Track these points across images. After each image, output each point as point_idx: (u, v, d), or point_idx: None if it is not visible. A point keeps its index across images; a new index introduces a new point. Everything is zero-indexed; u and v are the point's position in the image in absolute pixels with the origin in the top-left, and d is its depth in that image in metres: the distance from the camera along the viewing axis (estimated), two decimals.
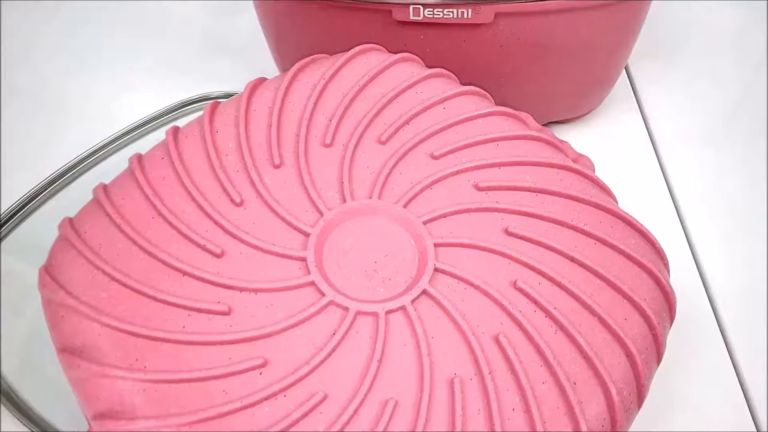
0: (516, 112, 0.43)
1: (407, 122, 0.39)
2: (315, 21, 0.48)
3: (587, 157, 0.43)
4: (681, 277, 0.43)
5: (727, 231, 0.49)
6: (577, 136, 0.55)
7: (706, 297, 0.46)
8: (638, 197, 0.50)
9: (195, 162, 0.36)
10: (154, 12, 0.72)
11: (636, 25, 0.49)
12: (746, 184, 0.52)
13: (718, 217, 0.50)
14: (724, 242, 0.49)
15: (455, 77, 0.42)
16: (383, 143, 0.38)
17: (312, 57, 0.42)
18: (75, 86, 0.62)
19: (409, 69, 0.41)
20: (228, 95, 0.59)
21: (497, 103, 0.48)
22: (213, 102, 0.39)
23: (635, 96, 0.59)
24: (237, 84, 0.65)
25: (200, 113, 0.63)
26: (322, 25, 0.48)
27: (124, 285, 0.31)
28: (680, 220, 0.50)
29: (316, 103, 0.39)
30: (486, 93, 0.41)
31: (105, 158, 0.50)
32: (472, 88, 0.41)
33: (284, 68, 0.55)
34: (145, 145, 0.53)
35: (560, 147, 0.40)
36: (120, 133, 0.52)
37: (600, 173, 0.40)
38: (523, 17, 0.44)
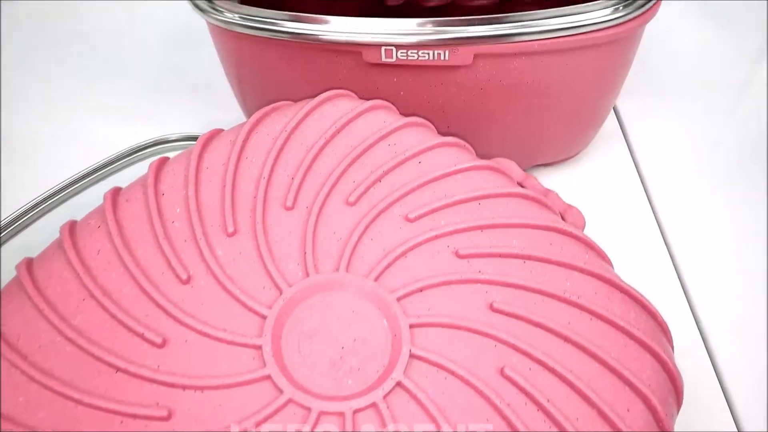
0: (498, 164, 0.39)
1: (379, 180, 0.35)
2: (279, 61, 0.44)
3: (576, 209, 0.40)
4: (682, 344, 0.40)
5: (728, 290, 0.46)
6: (564, 179, 0.52)
7: (714, 374, 0.41)
8: (630, 248, 0.47)
9: (136, 231, 0.32)
10: (108, 43, 0.68)
11: (624, 66, 0.46)
12: (743, 229, 0.49)
13: (714, 268, 0.47)
14: (726, 303, 0.45)
15: (432, 126, 0.38)
16: (352, 204, 0.34)
17: (273, 105, 0.38)
18: (20, 130, 0.57)
19: (382, 118, 0.38)
20: (187, 138, 0.54)
21: (478, 148, 0.44)
22: (160, 159, 0.35)
23: (623, 134, 0.56)
24: (200, 122, 0.62)
25: (156, 158, 0.58)
26: (286, 66, 0.44)
27: (45, 386, 0.27)
28: (677, 274, 0.46)
29: (276, 159, 0.35)
30: (466, 144, 0.38)
31: (41, 216, 0.45)
32: (451, 139, 0.37)
33: (247, 108, 0.51)
34: (89, 200, 0.49)
35: (548, 204, 0.36)
36: (61, 185, 0.47)
37: (590, 219, 0.37)
38: (505, 59, 0.41)
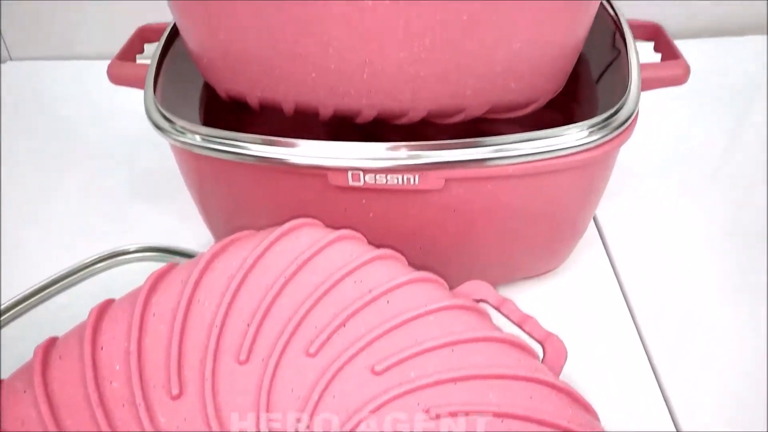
0: (474, 288, 0.37)
1: (343, 324, 0.32)
2: (242, 183, 0.41)
3: (556, 337, 0.37)
4: None
5: (715, 409, 0.43)
6: (544, 291, 0.49)
7: None
8: (612, 361, 0.45)
9: (68, 394, 0.28)
10: (69, 138, 0.66)
11: (601, 184, 0.44)
12: (726, 337, 0.46)
13: (700, 384, 0.44)
14: (713, 420, 0.42)
15: (402, 258, 0.36)
16: (312, 356, 0.31)
17: (232, 237, 0.35)
18: None
19: (348, 250, 0.35)
20: (147, 249, 0.52)
21: (452, 268, 0.42)
22: (103, 303, 0.32)
23: (602, 240, 0.54)
24: (162, 230, 0.59)
25: (117, 270, 0.54)
26: (250, 188, 0.41)
27: None
28: (660, 388, 0.44)
29: (231, 303, 0.32)
30: (437, 278, 0.35)
31: None
32: (422, 274, 0.35)
33: (210, 224, 0.48)
34: (37, 320, 0.45)
35: (528, 349, 0.33)
36: (6, 304, 0.44)
37: (571, 334, 0.36)
38: (478, 182, 0.39)
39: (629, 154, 0.48)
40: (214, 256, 0.34)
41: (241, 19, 0.37)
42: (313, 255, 0.34)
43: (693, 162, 0.61)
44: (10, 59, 0.79)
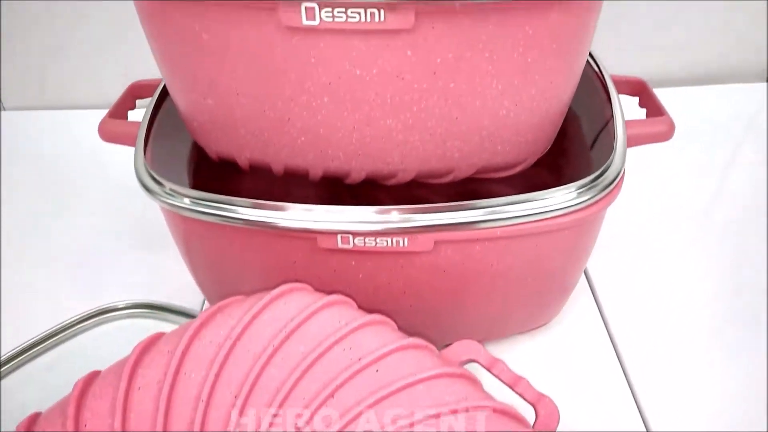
0: (465, 348, 0.37)
1: (332, 395, 0.32)
2: (231, 245, 0.41)
3: (548, 399, 0.37)
4: None
5: None
6: (534, 348, 0.49)
7: None
8: (605, 419, 0.44)
9: None
10: (57, 193, 0.65)
11: (590, 241, 0.44)
12: (719, 392, 0.46)
13: None
14: None
15: (392, 323, 0.36)
16: (300, 430, 0.30)
17: (221, 304, 0.35)
18: None
19: (338, 316, 0.35)
20: (137, 306, 0.51)
21: (443, 326, 0.42)
22: (88, 375, 0.32)
23: (593, 293, 0.54)
24: (152, 285, 0.56)
25: (106, 326, 0.53)
26: (239, 250, 0.41)
27: None
28: None
29: (218, 374, 0.32)
30: (427, 344, 0.35)
31: None
32: (412, 340, 0.34)
33: (200, 284, 0.48)
34: (26, 379, 0.45)
35: (520, 418, 0.33)
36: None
37: (562, 390, 0.36)
38: (467, 244, 0.39)
39: (618, 206, 0.49)
40: (202, 324, 0.34)
41: (230, 86, 0.37)
42: (301, 322, 0.34)
43: (682, 212, 0.61)
44: (4, 109, 0.80)
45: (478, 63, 0.35)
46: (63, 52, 0.74)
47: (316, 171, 0.41)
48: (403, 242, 0.38)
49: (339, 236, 0.38)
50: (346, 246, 0.39)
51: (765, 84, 0.76)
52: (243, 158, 0.41)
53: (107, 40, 0.72)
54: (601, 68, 0.51)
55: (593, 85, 0.50)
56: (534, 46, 0.35)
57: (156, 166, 0.43)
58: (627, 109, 0.49)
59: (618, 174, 0.41)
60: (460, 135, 0.38)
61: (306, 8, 0.32)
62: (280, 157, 0.40)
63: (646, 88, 0.51)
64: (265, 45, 0.35)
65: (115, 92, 0.53)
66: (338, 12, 0.32)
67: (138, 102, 0.53)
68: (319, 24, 0.33)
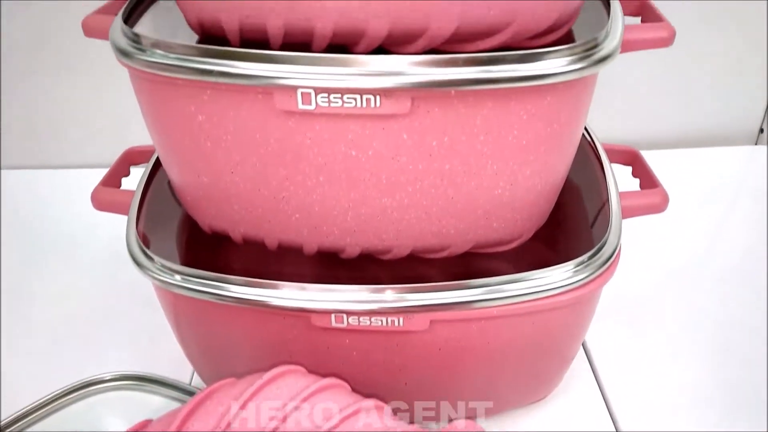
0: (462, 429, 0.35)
1: None
2: (221, 323, 0.41)
3: None
4: None
5: None
6: (532, 424, 0.48)
7: None
8: None
9: None
10: (43, 258, 0.64)
11: (588, 316, 0.44)
12: None
13: None
14: None
15: (388, 408, 0.35)
16: None
17: (209, 390, 0.34)
18: None
19: (331, 402, 0.34)
20: (124, 378, 0.50)
21: (438, 405, 0.41)
22: None
23: (591, 366, 0.53)
24: (140, 355, 0.54)
25: (92, 399, 0.52)
26: (230, 327, 0.41)
27: None
28: None
29: None
30: (423, 429, 0.34)
31: None
32: (407, 427, 0.33)
33: (190, 357, 0.47)
34: None
35: None
36: None
37: None
38: (462, 323, 0.39)
39: (615, 278, 0.48)
40: (191, 413, 0.33)
41: (225, 165, 0.37)
42: (293, 409, 0.33)
43: (677, 279, 0.61)
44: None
45: (473, 145, 0.35)
46: (61, 112, 0.75)
47: (311, 246, 0.40)
48: (398, 322, 0.38)
49: (333, 315, 0.38)
50: (340, 325, 0.38)
51: (755, 147, 0.77)
52: (236, 233, 0.41)
53: (106, 100, 0.72)
54: (594, 138, 0.52)
55: (586, 156, 0.50)
56: (529, 129, 0.35)
57: (148, 236, 0.43)
58: (620, 176, 0.49)
59: (614, 250, 0.41)
60: (455, 213, 0.38)
61: (302, 94, 0.33)
62: (274, 232, 0.40)
63: (638, 158, 0.51)
64: (260, 127, 0.35)
65: (112, 152, 0.53)
66: (334, 98, 0.33)
67: (133, 168, 0.53)
68: (315, 109, 0.33)
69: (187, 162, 0.39)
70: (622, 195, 0.46)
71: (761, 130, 0.75)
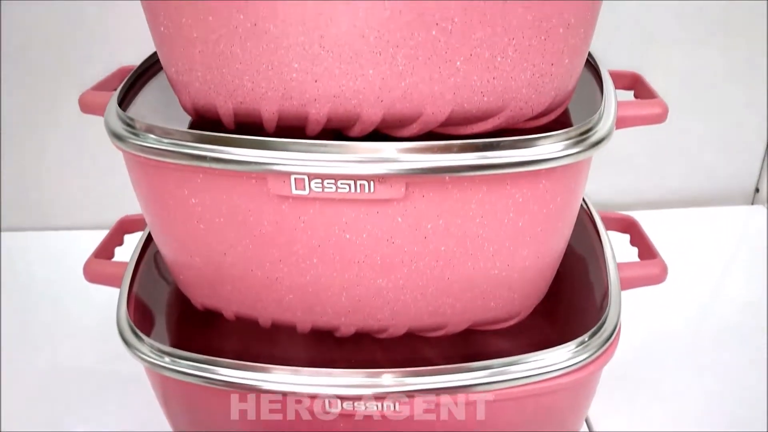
0: None
1: None
2: (211, 405, 0.39)
3: None
4: None
5: None
6: None
7: None
8: None
9: None
10: (41, 317, 0.63)
11: (589, 394, 0.43)
12: None
13: None
14: None
15: None
16: None
17: None
18: None
19: None
20: None
21: None
22: None
23: None
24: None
25: None
26: (219, 411, 0.39)
27: None
28: None
29: None
30: None
31: None
32: None
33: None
34: None
35: None
36: None
37: None
38: (462, 405, 0.37)
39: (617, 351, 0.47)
40: None
41: (218, 247, 0.37)
42: None
43: (677, 344, 0.60)
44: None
45: (468, 228, 0.34)
46: (60, 175, 0.74)
47: (305, 325, 0.40)
48: (394, 406, 0.37)
49: (327, 401, 0.37)
50: (334, 410, 0.37)
51: (751, 206, 0.77)
52: (229, 312, 0.40)
53: (104, 163, 0.72)
54: (590, 206, 0.51)
55: (583, 225, 0.50)
56: (524, 211, 0.35)
57: (139, 311, 0.42)
58: (617, 244, 0.48)
59: (615, 326, 0.40)
60: (451, 293, 0.37)
61: (295, 179, 0.32)
62: (267, 311, 0.39)
63: (635, 226, 0.51)
64: (254, 211, 0.34)
65: (111, 214, 0.52)
66: (328, 183, 0.32)
67: (128, 237, 0.52)
68: (309, 194, 0.33)
69: (180, 242, 0.38)
70: (620, 266, 0.45)
71: (757, 190, 0.75)
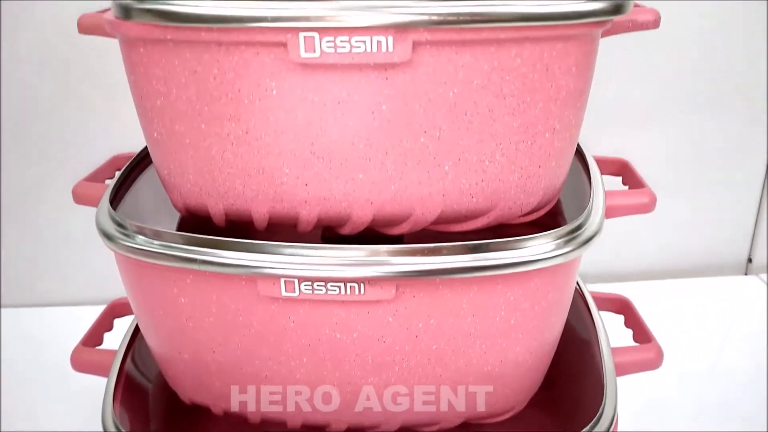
0: None
1: None
2: None
3: None
4: None
5: None
6: None
7: None
8: None
9: None
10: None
11: None
12: None
13: None
14: None
15: None
16: None
17: None
18: None
19: None
20: None
21: None
22: None
23: None
24: None
25: None
26: None
27: None
28: None
29: None
30: None
31: None
32: None
33: None
34: None
35: None
36: None
37: None
38: None
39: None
40: None
41: (207, 345, 0.36)
42: None
43: (677, 423, 0.59)
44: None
45: (460, 326, 0.34)
46: (56, 249, 0.74)
47: (295, 422, 0.39)
48: None
49: None
50: None
51: (745, 277, 0.77)
52: (218, 408, 0.39)
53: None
54: (583, 288, 0.51)
55: (578, 309, 0.50)
56: (516, 309, 0.34)
57: (125, 404, 0.41)
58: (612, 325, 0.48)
59: (612, 418, 0.39)
60: (444, 390, 0.37)
61: (285, 282, 0.32)
62: (256, 408, 0.38)
63: (629, 307, 0.51)
64: (243, 311, 0.34)
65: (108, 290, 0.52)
66: (318, 286, 0.32)
67: (116, 322, 0.51)
68: (299, 295, 0.33)
69: (168, 338, 0.38)
70: (615, 351, 0.45)
71: (749, 260, 0.76)
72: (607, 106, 0.68)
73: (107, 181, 0.48)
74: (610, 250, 0.74)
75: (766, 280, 0.75)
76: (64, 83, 0.66)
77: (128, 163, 0.43)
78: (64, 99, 0.66)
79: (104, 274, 0.70)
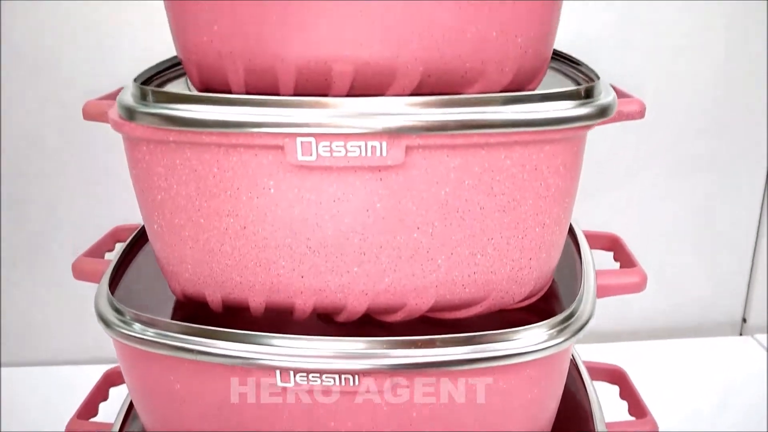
0: None
1: None
2: None
3: None
4: None
5: None
6: None
7: None
8: None
9: None
10: None
11: None
12: None
13: None
14: None
15: None
16: None
17: None
18: None
19: None
20: None
21: None
22: None
23: None
24: None
25: None
26: None
27: None
28: None
29: None
30: None
31: None
32: None
33: None
34: None
35: None
36: None
37: None
38: None
39: None
40: None
41: (200, 428, 0.36)
42: None
43: None
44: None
45: (454, 415, 0.34)
46: (55, 307, 0.74)
47: None
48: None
49: None
50: None
51: (740, 337, 0.77)
52: None
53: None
54: (576, 359, 0.51)
55: (570, 378, 0.50)
56: (510, 395, 0.34)
57: None
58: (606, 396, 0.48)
59: None
60: None
61: (281, 373, 0.33)
62: None
63: (624, 379, 0.51)
64: (239, 403, 0.34)
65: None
66: (313, 377, 0.32)
67: (111, 391, 0.51)
68: (294, 386, 0.33)
69: (163, 420, 0.38)
70: (610, 426, 0.45)
71: (744, 320, 0.76)
72: (593, 173, 0.69)
73: (107, 254, 0.49)
74: (602, 311, 0.74)
75: (763, 342, 0.75)
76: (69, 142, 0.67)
77: (128, 239, 0.43)
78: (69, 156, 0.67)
79: (105, 335, 0.71)
